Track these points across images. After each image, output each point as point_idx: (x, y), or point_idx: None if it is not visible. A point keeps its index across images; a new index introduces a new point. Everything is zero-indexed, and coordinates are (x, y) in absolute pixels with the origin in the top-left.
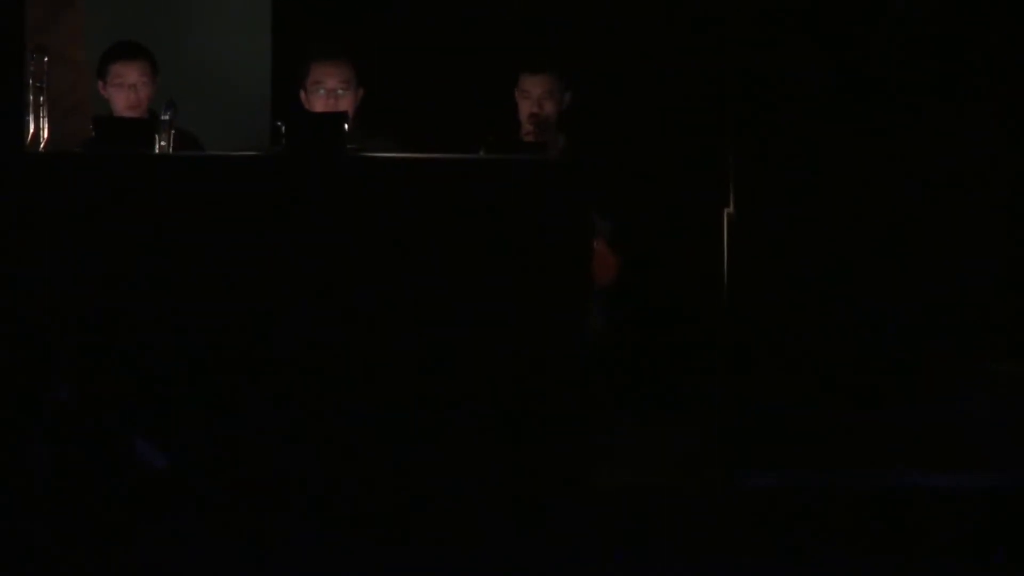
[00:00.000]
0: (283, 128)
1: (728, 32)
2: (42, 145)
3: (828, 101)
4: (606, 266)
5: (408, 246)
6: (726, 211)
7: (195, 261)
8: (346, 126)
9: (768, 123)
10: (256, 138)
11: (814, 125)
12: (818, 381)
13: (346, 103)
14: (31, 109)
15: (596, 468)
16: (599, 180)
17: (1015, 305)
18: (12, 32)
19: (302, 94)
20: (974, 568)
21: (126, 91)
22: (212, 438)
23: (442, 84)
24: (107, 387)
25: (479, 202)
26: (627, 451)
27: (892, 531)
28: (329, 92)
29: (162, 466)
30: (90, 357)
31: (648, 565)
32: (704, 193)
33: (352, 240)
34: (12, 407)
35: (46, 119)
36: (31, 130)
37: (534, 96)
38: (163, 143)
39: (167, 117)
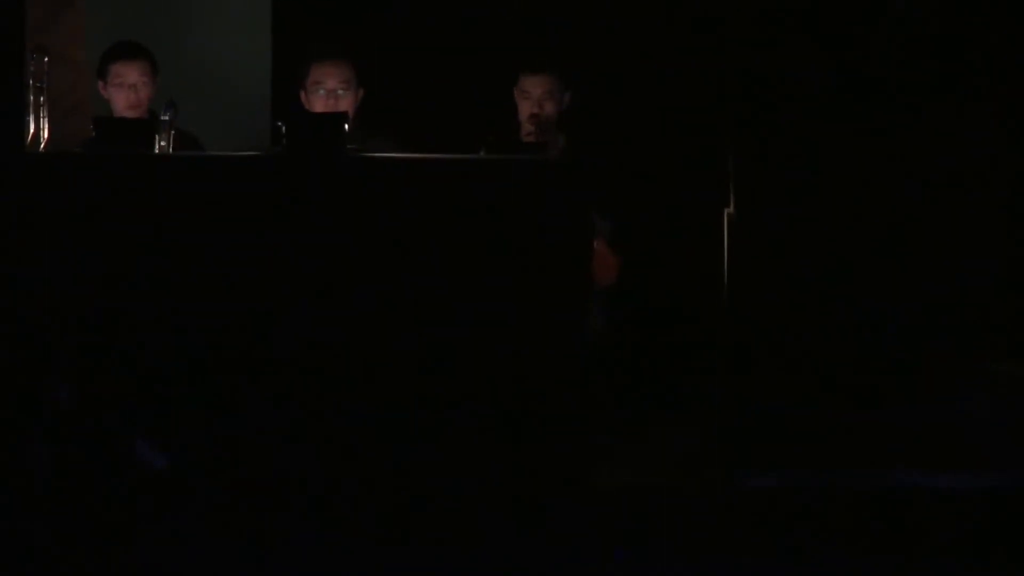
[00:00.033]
0: (283, 128)
1: (728, 32)
2: (42, 145)
3: (828, 101)
4: (606, 266)
5: (408, 246)
6: (726, 211)
7: (195, 261)
8: (346, 126)
9: (768, 123)
10: (256, 138)
11: (814, 125)
12: (818, 381)
13: (346, 103)
14: (31, 109)
15: (596, 468)
16: (599, 180)
17: (1015, 305)
18: (12, 32)
19: (302, 94)
20: (974, 568)
21: (126, 91)
22: (212, 438)
23: (442, 84)
24: (107, 387)
25: (479, 202)
26: (627, 451)
27: (892, 531)
28: (329, 92)
29: (162, 466)
30: (90, 357)
31: (648, 565)
32: (704, 193)
33: (352, 240)
34: (12, 407)
35: (46, 119)
36: (31, 130)
37: (534, 96)
38: (163, 143)
39: (167, 117)
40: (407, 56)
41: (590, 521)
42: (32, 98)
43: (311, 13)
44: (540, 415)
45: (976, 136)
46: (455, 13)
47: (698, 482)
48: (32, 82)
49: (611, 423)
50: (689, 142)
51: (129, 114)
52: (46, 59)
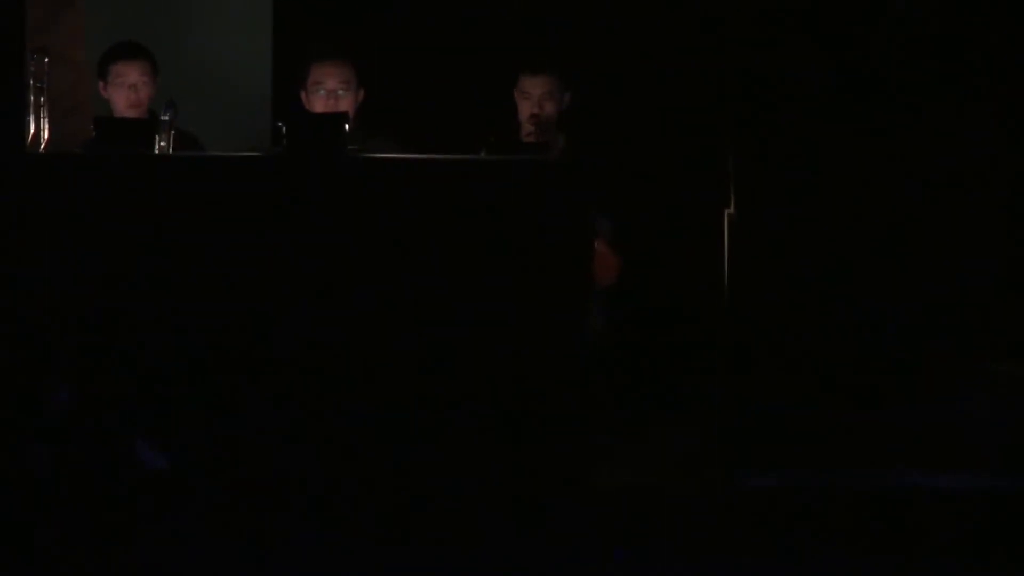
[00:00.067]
0: (283, 128)
1: (728, 32)
2: (42, 145)
3: (828, 101)
4: (606, 266)
5: (408, 246)
6: (726, 211)
7: (195, 261)
8: (346, 126)
9: (768, 123)
10: (256, 138)
11: (814, 125)
12: (818, 381)
13: (346, 103)
14: (31, 109)
15: (596, 468)
16: (599, 180)
17: (1015, 305)
18: (12, 32)
19: (302, 94)
20: (974, 568)
21: (126, 91)
22: (212, 438)
23: (442, 84)
24: (107, 387)
25: (479, 202)
26: (627, 451)
27: (892, 531)
28: (329, 93)
29: (162, 466)
30: (90, 357)
31: (648, 565)
32: (704, 193)
33: (352, 240)
34: (12, 407)
35: (46, 119)
36: (31, 130)
37: (534, 97)
38: (163, 143)
39: (167, 117)
40: (407, 56)
41: (590, 521)
42: (32, 98)
43: (311, 13)
44: (540, 415)
45: (976, 136)
46: (455, 13)
47: (698, 482)
48: (32, 82)
49: (611, 423)
50: (689, 142)
51: (129, 114)
52: (46, 59)
